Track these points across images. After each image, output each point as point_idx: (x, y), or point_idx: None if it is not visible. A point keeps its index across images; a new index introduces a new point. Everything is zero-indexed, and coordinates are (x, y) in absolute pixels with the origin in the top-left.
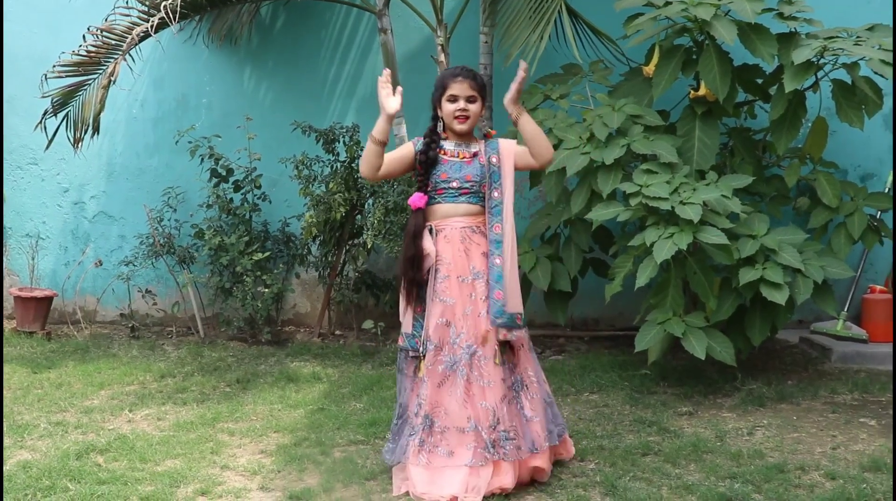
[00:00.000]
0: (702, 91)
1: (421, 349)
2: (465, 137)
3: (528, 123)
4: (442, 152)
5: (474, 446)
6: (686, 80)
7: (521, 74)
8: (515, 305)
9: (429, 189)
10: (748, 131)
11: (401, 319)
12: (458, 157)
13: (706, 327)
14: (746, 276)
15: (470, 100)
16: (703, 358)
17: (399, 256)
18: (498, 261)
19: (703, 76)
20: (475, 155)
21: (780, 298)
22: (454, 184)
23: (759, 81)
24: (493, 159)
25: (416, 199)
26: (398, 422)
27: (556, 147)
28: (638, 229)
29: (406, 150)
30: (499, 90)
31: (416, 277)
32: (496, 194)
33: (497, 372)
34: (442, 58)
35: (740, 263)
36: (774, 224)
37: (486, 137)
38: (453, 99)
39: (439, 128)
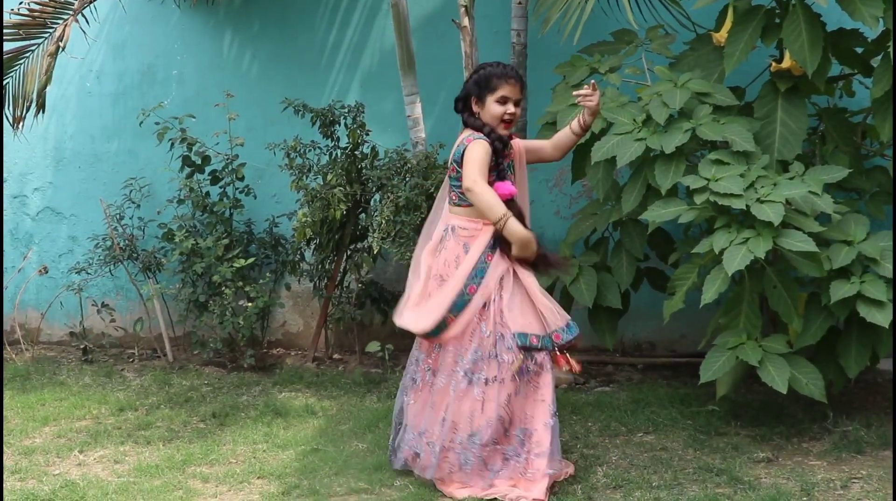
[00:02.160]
0: (786, 63)
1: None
2: None
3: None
4: None
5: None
6: (766, 49)
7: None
8: None
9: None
10: (843, 113)
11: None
12: None
13: (789, 354)
14: (840, 291)
15: (517, 103)
16: (784, 392)
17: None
18: None
19: (788, 44)
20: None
21: (882, 318)
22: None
23: (859, 49)
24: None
25: (508, 187)
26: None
27: (604, 132)
28: (705, 232)
29: (485, 150)
30: (533, 63)
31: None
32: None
33: None
34: (466, 22)
35: (832, 275)
36: (875, 227)
37: None
38: (503, 101)
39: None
